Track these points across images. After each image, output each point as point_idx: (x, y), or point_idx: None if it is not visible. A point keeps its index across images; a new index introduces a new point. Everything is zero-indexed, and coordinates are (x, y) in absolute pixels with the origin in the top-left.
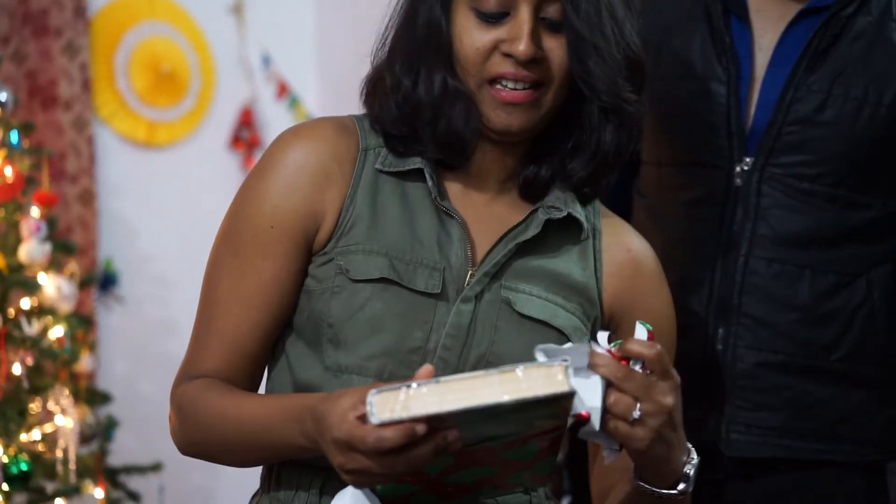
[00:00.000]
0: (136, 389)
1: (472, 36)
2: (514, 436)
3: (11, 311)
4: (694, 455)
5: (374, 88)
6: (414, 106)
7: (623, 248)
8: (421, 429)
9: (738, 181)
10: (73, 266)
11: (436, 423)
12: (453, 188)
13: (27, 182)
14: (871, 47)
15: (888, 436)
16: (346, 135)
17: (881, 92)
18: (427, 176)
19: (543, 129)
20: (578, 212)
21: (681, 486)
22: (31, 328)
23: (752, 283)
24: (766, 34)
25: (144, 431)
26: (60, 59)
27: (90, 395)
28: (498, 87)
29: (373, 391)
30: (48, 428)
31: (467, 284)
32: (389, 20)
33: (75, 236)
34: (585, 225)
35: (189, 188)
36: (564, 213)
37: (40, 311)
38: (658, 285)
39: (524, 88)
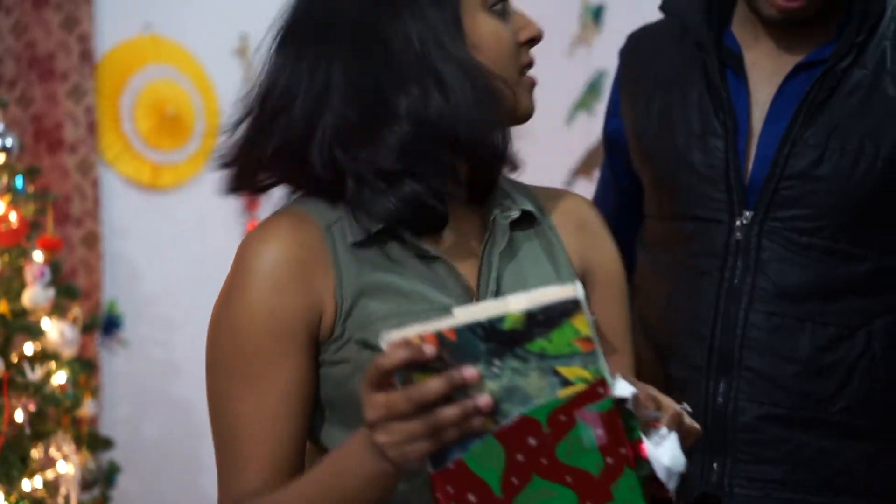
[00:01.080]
0: (139, 433)
1: (504, 33)
2: (550, 401)
3: (14, 357)
4: None
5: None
6: (439, 127)
7: (568, 216)
8: (429, 348)
9: (738, 235)
10: (76, 310)
11: (447, 353)
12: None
13: (31, 227)
14: (867, 100)
15: (888, 487)
16: (302, 221)
17: (877, 145)
18: (401, 232)
19: None
20: (526, 204)
21: None
22: (34, 374)
23: (753, 337)
24: (762, 88)
25: (147, 476)
26: (66, 102)
27: (92, 441)
28: (527, 74)
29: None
30: (50, 474)
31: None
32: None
33: (79, 279)
34: (537, 214)
35: (193, 230)
36: (518, 213)
37: (43, 356)
38: (601, 233)
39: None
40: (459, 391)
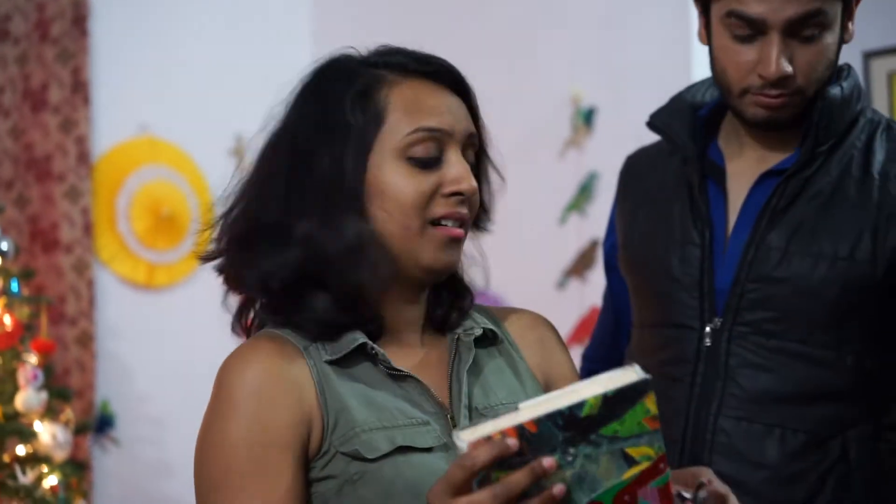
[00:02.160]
0: None
1: (413, 182)
2: (615, 483)
3: (6, 459)
4: None
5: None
6: (322, 258)
7: (528, 331)
8: (512, 442)
9: (708, 341)
10: (68, 413)
11: (525, 446)
12: (391, 350)
13: (25, 329)
14: (829, 204)
15: None
16: (281, 343)
17: (836, 246)
18: (373, 349)
19: None
20: (487, 323)
21: None
22: (26, 477)
23: (722, 442)
24: (738, 196)
25: None
26: (63, 203)
27: None
28: (447, 224)
29: (457, 431)
30: None
31: (457, 426)
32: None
33: (73, 378)
34: (500, 334)
35: (188, 329)
36: (481, 330)
37: (35, 458)
38: (559, 348)
39: (460, 228)
40: (535, 485)
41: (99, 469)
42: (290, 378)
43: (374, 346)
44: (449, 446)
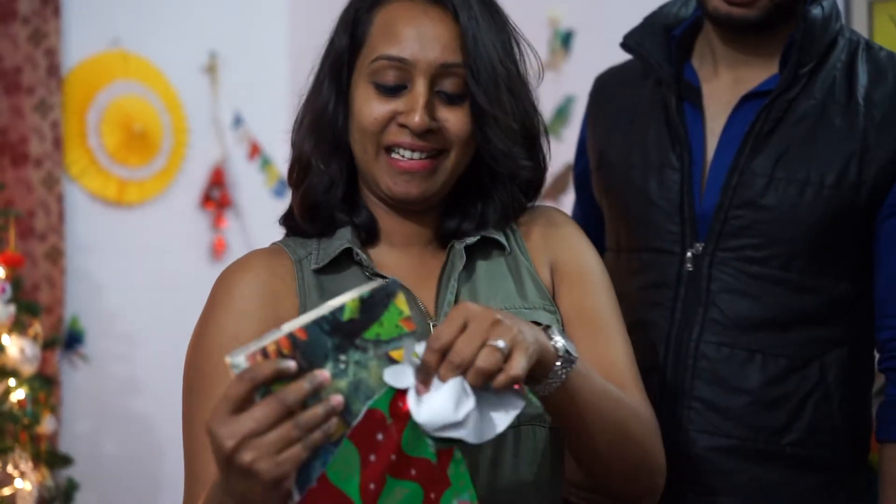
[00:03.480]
0: (99, 449)
1: (371, 107)
2: (388, 389)
3: None
4: (555, 333)
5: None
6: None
7: (535, 226)
8: (287, 352)
9: (689, 266)
10: (37, 327)
11: (300, 356)
12: (382, 259)
13: None
14: (814, 130)
15: None
16: (277, 255)
17: (823, 174)
18: (356, 253)
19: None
20: (492, 231)
21: (561, 350)
22: None
23: (703, 368)
24: (716, 118)
25: (106, 494)
26: (32, 116)
27: (51, 458)
28: (395, 155)
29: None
30: (7, 491)
31: None
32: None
33: (42, 294)
34: (502, 240)
35: (158, 247)
36: (478, 237)
37: (2, 372)
38: (567, 233)
39: (421, 158)
40: (313, 397)
41: (68, 384)
42: (273, 291)
43: (359, 251)
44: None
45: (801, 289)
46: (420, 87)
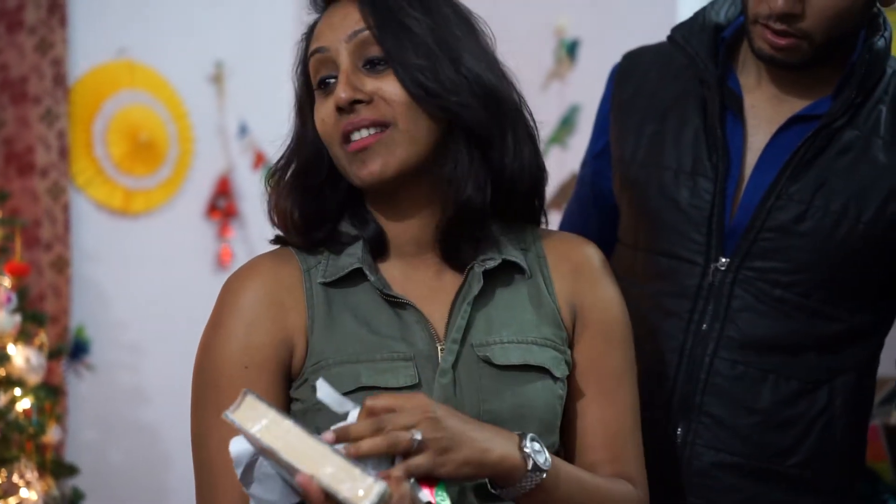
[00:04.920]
0: (105, 459)
1: (319, 111)
2: None
3: None
4: (528, 442)
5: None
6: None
7: (565, 260)
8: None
9: (712, 280)
10: (42, 337)
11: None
12: (393, 274)
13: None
14: (856, 162)
15: None
16: (285, 263)
17: (860, 209)
18: (367, 272)
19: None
20: (513, 254)
21: (530, 464)
22: None
23: (715, 384)
24: (757, 134)
25: (112, 502)
26: (38, 126)
27: (56, 468)
28: (348, 143)
29: (250, 394)
30: (12, 501)
31: (441, 360)
32: None
33: (47, 303)
34: (524, 265)
35: (164, 256)
36: (499, 261)
37: (8, 382)
38: (598, 277)
39: (369, 135)
40: None
41: (73, 394)
42: (280, 301)
43: (369, 271)
44: (421, 386)
45: (820, 315)
46: (344, 65)
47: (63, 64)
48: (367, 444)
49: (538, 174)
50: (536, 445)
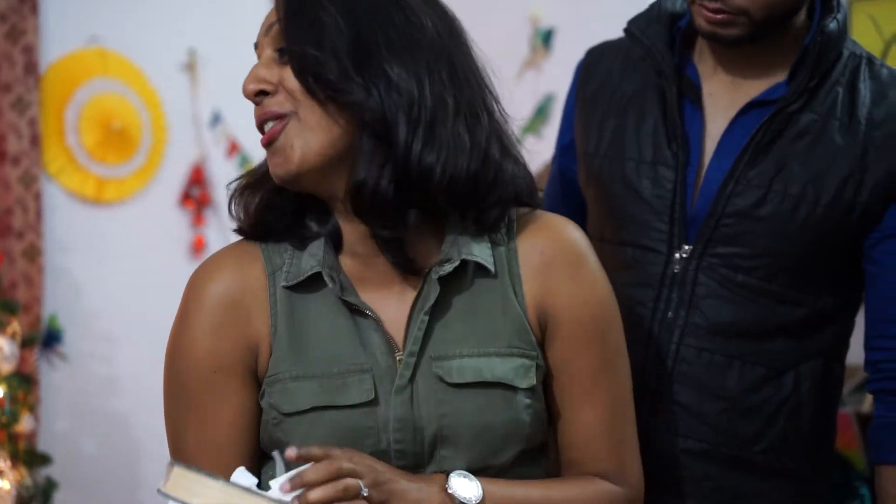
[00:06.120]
0: (78, 448)
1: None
2: None
3: None
4: (450, 481)
5: None
6: None
7: (538, 253)
8: None
9: (676, 268)
10: (15, 325)
11: None
12: (351, 272)
13: None
14: (814, 145)
15: None
16: (250, 263)
17: (819, 192)
18: (326, 278)
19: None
20: (476, 252)
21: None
22: None
23: (682, 372)
24: (715, 121)
25: (85, 493)
26: (9, 114)
27: (29, 457)
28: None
29: (177, 465)
30: None
31: (398, 376)
32: None
33: (20, 292)
34: (487, 265)
35: (138, 245)
36: (457, 263)
37: None
38: (569, 272)
39: (273, 128)
40: None
41: (46, 383)
42: (245, 305)
43: (328, 276)
44: (378, 402)
45: (784, 300)
46: (260, 59)
47: (34, 51)
48: (318, 492)
49: (473, 177)
50: (461, 482)
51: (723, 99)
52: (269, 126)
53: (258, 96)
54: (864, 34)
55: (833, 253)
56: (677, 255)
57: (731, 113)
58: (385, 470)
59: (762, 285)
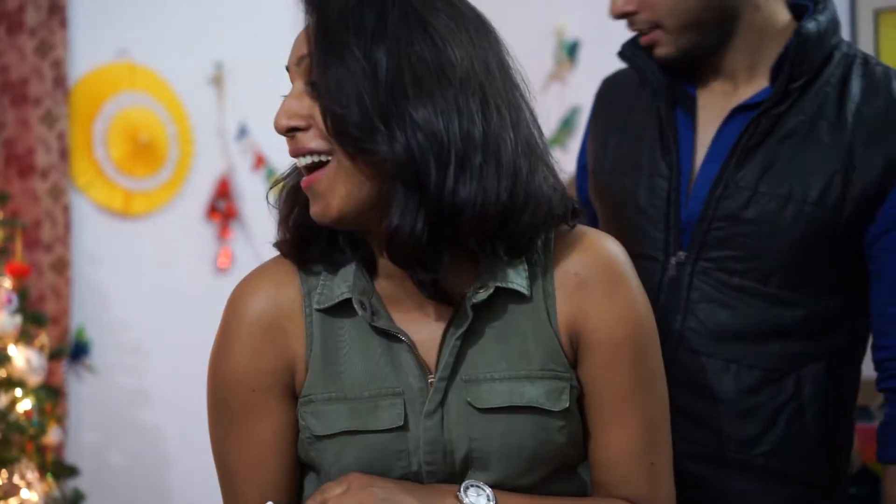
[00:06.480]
0: (105, 460)
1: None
2: None
3: None
4: (463, 492)
5: None
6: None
7: (572, 273)
8: None
9: (672, 273)
10: (43, 338)
11: None
12: (386, 294)
13: (0, 252)
14: (801, 145)
15: None
16: (286, 284)
17: (806, 191)
18: (356, 304)
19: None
20: (511, 279)
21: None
22: None
23: (679, 375)
24: (707, 128)
25: (112, 503)
26: (38, 127)
27: (57, 469)
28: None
29: None
30: (13, 502)
31: (428, 400)
32: None
33: (48, 304)
34: (522, 290)
35: (164, 257)
36: (491, 290)
37: (9, 383)
38: (603, 291)
39: (311, 162)
40: None
41: (74, 395)
42: (282, 327)
43: (358, 303)
44: (407, 427)
45: (779, 302)
46: (292, 90)
47: (63, 65)
48: None
49: (503, 208)
50: (472, 493)
51: (714, 108)
52: (303, 161)
53: (290, 132)
54: (891, 45)
55: (824, 252)
56: (673, 261)
57: (721, 119)
58: (388, 489)
59: (757, 287)
